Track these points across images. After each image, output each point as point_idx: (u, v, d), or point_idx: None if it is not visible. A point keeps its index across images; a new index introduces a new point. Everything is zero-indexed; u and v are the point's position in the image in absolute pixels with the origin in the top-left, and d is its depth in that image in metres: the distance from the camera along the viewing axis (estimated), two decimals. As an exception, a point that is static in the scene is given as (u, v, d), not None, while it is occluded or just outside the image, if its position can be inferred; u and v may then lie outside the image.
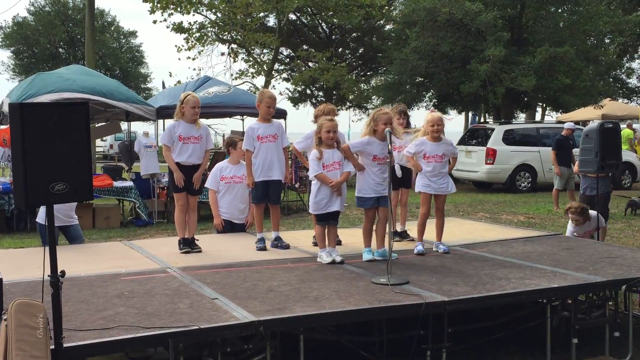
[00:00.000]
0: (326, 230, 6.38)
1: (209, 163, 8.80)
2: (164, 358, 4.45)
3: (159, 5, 24.21)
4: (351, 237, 7.70)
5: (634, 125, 26.69)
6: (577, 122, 22.04)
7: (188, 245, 6.81)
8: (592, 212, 8.14)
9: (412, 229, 7.51)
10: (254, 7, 24.92)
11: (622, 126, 21.37)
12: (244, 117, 16.96)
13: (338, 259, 6.21)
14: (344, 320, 4.76)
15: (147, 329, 4.10)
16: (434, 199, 6.89)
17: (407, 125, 7.46)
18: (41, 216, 7.51)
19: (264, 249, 6.88)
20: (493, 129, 19.73)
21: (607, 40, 26.71)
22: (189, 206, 6.95)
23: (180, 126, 6.78)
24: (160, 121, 15.15)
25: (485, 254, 6.65)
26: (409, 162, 6.98)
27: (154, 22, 25.49)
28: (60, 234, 7.63)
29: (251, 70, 26.68)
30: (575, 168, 9.50)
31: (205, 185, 7.77)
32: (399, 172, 7.23)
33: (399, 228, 7.53)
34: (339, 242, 6.97)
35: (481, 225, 9.43)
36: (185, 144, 6.77)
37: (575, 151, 15.24)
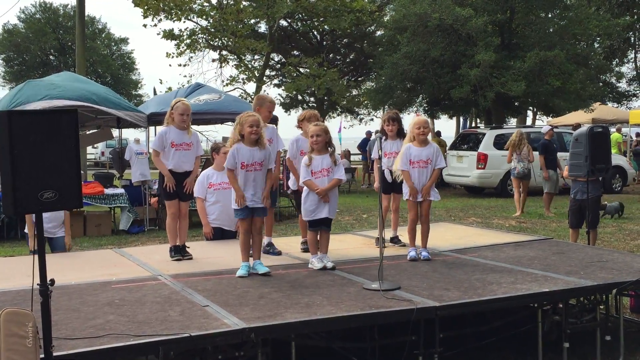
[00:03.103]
0: (318, 236, 6.37)
1: (200, 169, 8.79)
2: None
3: (150, 10, 24.24)
4: (342, 243, 7.72)
5: (624, 130, 26.85)
6: (575, 127, 22.16)
7: (179, 252, 6.79)
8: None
9: (403, 234, 7.52)
10: (244, 13, 24.96)
11: (611, 130, 21.50)
12: (235, 122, 16.95)
13: (329, 265, 6.21)
14: (336, 326, 4.75)
15: (138, 336, 4.09)
16: (419, 205, 6.85)
17: (400, 131, 7.43)
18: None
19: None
20: (484, 134, 19.79)
21: (596, 45, 26.87)
22: (181, 213, 6.94)
23: (172, 132, 6.77)
24: (152, 128, 15.13)
25: (476, 258, 6.66)
26: (406, 182, 6.84)
27: (144, 26, 25.54)
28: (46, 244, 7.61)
29: (242, 76, 26.71)
30: (565, 172, 9.52)
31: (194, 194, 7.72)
32: (389, 177, 7.24)
33: (391, 234, 7.53)
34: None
35: (472, 230, 9.44)
36: (177, 151, 6.76)
37: (562, 155, 15.37)
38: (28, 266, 4.15)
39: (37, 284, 3.77)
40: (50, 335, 3.70)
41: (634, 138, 29.27)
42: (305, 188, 6.36)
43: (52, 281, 3.77)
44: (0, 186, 3.77)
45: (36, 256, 3.81)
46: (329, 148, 6.37)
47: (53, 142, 3.72)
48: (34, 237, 7.07)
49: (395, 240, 7.50)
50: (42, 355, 3.66)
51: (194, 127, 15.57)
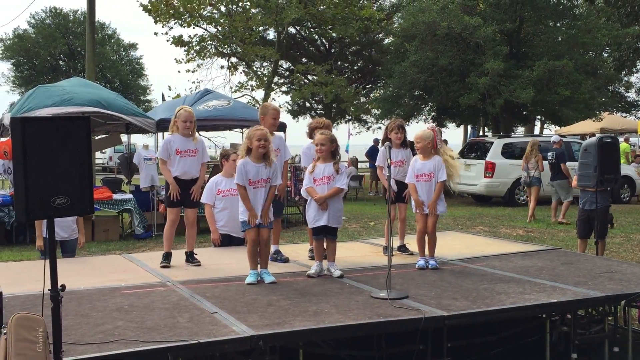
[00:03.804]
0: (325, 245, 6.38)
1: (207, 176, 8.80)
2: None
3: (161, 16, 24.40)
4: (350, 251, 7.73)
5: (632, 139, 26.78)
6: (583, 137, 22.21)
7: (168, 260, 6.79)
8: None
9: (411, 242, 7.53)
10: (253, 20, 25.05)
11: (619, 140, 21.45)
12: (244, 129, 16.99)
13: (337, 273, 6.21)
14: (344, 334, 4.76)
15: (147, 343, 4.10)
16: (426, 217, 6.83)
17: (404, 140, 7.47)
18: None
19: None
20: (492, 143, 19.78)
21: (605, 55, 26.83)
22: (188, 220, 6.96)
23: (177, 140, 6.80)
24: (160, 134, 15.15)
25: (484, 268, 6.65)
26: (412, 194, 6.87)
27: (155, 34, 25.70)
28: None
29: (251, 83, 26.78)
30: (574, 182, 9.51)
31: (201, 200, 7.72)
32: (394, 187, 7.23)
33: (398, 242, 7.53)
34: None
35: (480, 239, 9.43)
36: (182, 157, 6.79)
37: (570, 164, 15.41)
38: (37, 271, 4.18)
39: (48, 289, 3.79)
40: (60, 341, 3.71)
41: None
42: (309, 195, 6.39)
43: (63, 287, 3.79)
44: (13, 191, 3.79)
45: (47, 261, 3.83)
46: (336, 157, 6.39)
47: (65, 149, 3.75)
48: (42, 237, 7.13)
49: (402, 248, 7.50)
50: (52, 360, 3.68)
51: (203, 133, 15.65)
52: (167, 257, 6.82)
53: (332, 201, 6.30)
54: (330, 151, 6.36)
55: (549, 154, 15.25)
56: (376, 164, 7.47)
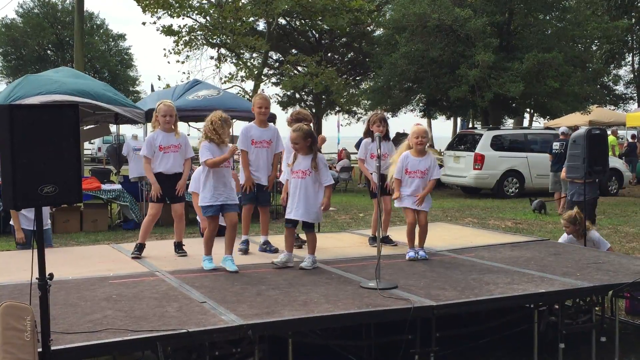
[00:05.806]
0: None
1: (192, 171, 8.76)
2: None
3: (149, 7, 24.24)
4: (339, 242, 7.74)
5: (620, 132, 26.93)
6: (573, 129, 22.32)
7: (140, 251, 6.76)
8: (594, 234, 7.88)
9: (393, 234, 7.55)
10: (243, 11, 24.94)
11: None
12: (234, 120, 16.94)
13: (303, 264, 6.15)
14: (333, 324, 4.76)
15: (135, 332, 4.09)
16: (416, 214, 6.82)
17: (387, 132, 7.45)
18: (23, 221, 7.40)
19: (246, 251, 6.87)
20: (481, 135, 19.81)
21: (594, 47, 26.92)
22: (176, 214, 6.94)
23: (160, 136, 6.79)
24: (149, 124, 15.09)
25: (473, 259, 6.68)
26: (395, 188, 6.81)
27: (143, 23, 25.49)
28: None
29: (240, 74, 26.69)
30: (563, 174, 9.56)
31: (189, 190, 7.66)
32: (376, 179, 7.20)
33: (382, 234, 7.49)
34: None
35: (469, 230, 9.46)
36: (165, 153, 6.77)
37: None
38: (25, 260, 4.16)
39: (36, 278, 3.77)
40: (48, 329, 3.71)
41: (630, 140, 29.34)
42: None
43: (51, 275, 3.77)
44: (0, 180, 3.77)
45: (35, 250, 3.81)
46: (313, 150, 6.26)
47: (54, 137, 3.73)
48: (20, 229, 7.08)
49: (386, 240, 7.48)
50: (39, 349, 3.67)
51: (192, 123, 15.59)
52: (140, 248, 6.79)
53: (310, 196, 6.21)
54: (307, 146, 6.25)
55: (555, 144, 15.27)
56: (357, 156, 7.43)
